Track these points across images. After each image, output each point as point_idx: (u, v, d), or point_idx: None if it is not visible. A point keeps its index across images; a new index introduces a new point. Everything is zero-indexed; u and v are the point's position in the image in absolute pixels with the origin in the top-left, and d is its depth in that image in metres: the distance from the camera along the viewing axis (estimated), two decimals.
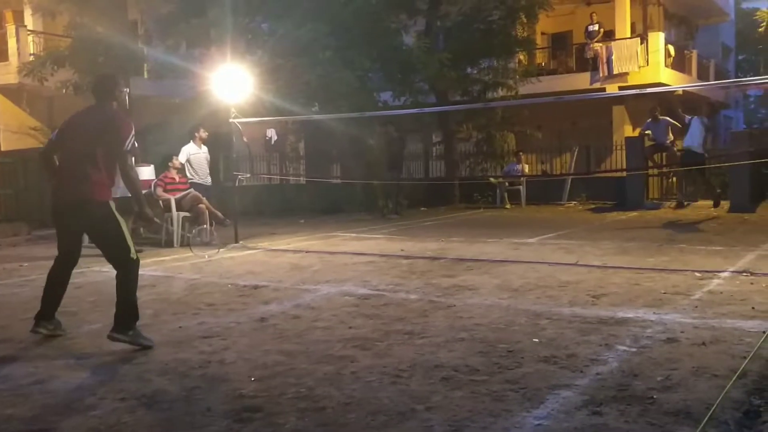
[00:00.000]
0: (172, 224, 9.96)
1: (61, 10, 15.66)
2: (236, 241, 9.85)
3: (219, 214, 10.26)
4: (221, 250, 9.05)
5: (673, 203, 13.99)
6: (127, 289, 4.31)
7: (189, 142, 10.86)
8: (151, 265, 7.99)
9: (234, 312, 5.27)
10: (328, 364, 3.78)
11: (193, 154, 10.75)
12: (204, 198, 10.21)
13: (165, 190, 10.09)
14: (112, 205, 4.41)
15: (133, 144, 4.49)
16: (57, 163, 4.54)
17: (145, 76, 18.32)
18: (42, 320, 4.51)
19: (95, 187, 4.33)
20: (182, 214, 10.03)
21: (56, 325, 4.59)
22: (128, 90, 4.94)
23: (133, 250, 4.36)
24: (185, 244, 9.84)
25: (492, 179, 17.08)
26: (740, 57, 34.37)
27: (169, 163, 10.30)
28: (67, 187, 4.42)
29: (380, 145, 14.76)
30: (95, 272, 7.17)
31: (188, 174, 10.68)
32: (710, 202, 12.96)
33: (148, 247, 9.66)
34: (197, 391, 3.40)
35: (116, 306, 4.30)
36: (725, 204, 12.88)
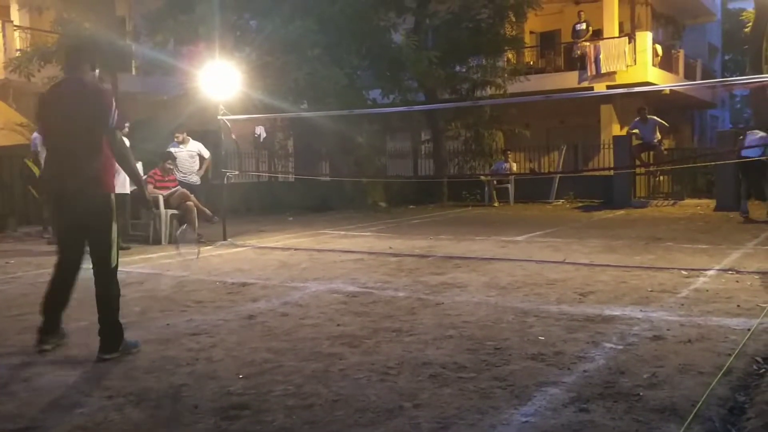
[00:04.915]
0: (160, 221, 9.91)
1: (48, 6, 15.56)
2: (224, 239, 9.82)
3: (207, 211, 10.21)
4: (205, 248, 9.01)
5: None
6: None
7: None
8: (139, 263, 7.96)
9: (222, 309, 5.25)
10: (316, 361, 3.78)
11: (176, 153, 10.71)
12: (192, 195, 10.15)
13: (155, 187, 10.04)
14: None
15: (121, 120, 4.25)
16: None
17: (133, 72, 18.24)
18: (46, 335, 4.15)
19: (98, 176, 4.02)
20: (170, 211, 9.98)
21: (61, 336, 4.26)
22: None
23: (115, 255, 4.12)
24: (173, 241, 9.82)
25: (482, 177, 17.14)
26: (726, 57, 34.62)
27: (162, 163, 10.22)
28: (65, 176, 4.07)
29: None
30: (82, 269, 7.09)
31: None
32: (697, 201, 13.02)
33: (136, 244, 9.62)
34: (185, 388, 3.39)
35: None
36: (711, 203, 12.97)
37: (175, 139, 10.77)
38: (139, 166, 10.61)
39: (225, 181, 10.62)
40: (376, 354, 3.90)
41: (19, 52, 16.32)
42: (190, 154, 10.77)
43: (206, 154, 10.86)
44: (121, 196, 9.25)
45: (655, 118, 14.24)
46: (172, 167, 10.26)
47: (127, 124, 9.51)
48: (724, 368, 3.42)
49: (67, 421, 3.02)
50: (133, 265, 7.71)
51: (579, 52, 19.78)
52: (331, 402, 3.14)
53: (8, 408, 3.20)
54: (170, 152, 10.39)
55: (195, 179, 10.76)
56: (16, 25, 17.55)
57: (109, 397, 3.29)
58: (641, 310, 4.80)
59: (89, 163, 4.01)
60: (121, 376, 3.62)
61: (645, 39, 19.61)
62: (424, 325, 4.56)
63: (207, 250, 9.01)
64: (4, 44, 16.99)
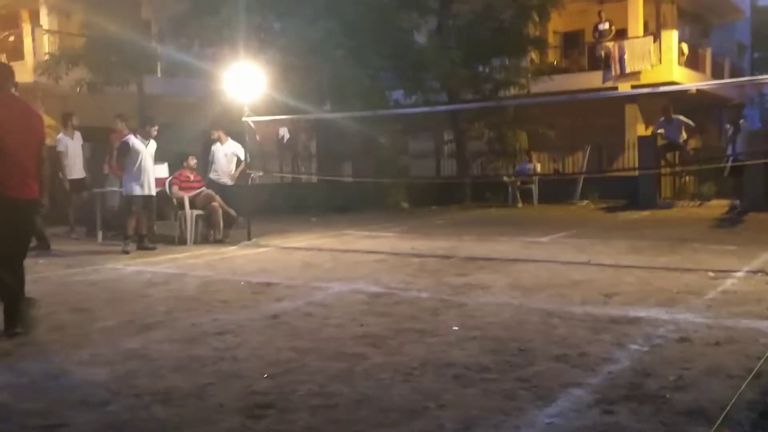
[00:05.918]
0: (185, 222, 10.01)
1: (76, 10, 15.76)
2: (249, 239, 9.88)
3: (232, 212, 10.27)
4: (230, 248, 9.08)
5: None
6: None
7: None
8: (165, 263, 8.03)
9: (247, 309, 5.29)
10: (340, 361, 3.80)
11: (215, 151, 10.77)
12: (218, 196, 10.20)
13: (180, 189, 10.15)
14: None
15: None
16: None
17: (158, 74, 18.42)
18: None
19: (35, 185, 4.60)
20: (195, 212, 10.07)
21: None
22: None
23: None
24: (198, 241, 9.92)
25: (505, 179, 17.08)
26: (756, 55, 34.04)
27: (184, 163, 10.35)
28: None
29: None
30: (109, 269, 7.22)
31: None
32: (724, 201, 12.86)
33: (162, 245, 9.72)
34: (210, 387, 3.42)
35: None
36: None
37: (212, 137, 10.83)
38: (165, 167, 10.85)
39: (249, 182, 10.67)
40: (400, 354, 3.90)
41: (47, 56, 16.57)
42: (224, 153, 10.72)
43: (243, 155, 10.68)
44: (148, 198, 9.39)
45: (681, 117, 14.07)
46: (192, 166, 10.34)
47: (155, 127, 9.62)
48: (755, 371, 3.37)
49: (96, 418, 3.06)
50: (159, 265, 7.78)
51: (603, 52, 19.61)
52: (355, 402, 3.15)
53: (39, 405, 3.26)
54: (187, 153, 10.49)
55: (227, 180, 10.73)
56: (45, 29, 17.81)
57: (136, 396, 3.33)
58: (667, 312, 4.74)
59: (32, 172, 4.61)
60: (148, 375, 3.66)
61: (670, 38, 19.36)
62: (448, 326, 4.55)
63: (232, 250, 9.09)
64: (34, 48, 17.25)
